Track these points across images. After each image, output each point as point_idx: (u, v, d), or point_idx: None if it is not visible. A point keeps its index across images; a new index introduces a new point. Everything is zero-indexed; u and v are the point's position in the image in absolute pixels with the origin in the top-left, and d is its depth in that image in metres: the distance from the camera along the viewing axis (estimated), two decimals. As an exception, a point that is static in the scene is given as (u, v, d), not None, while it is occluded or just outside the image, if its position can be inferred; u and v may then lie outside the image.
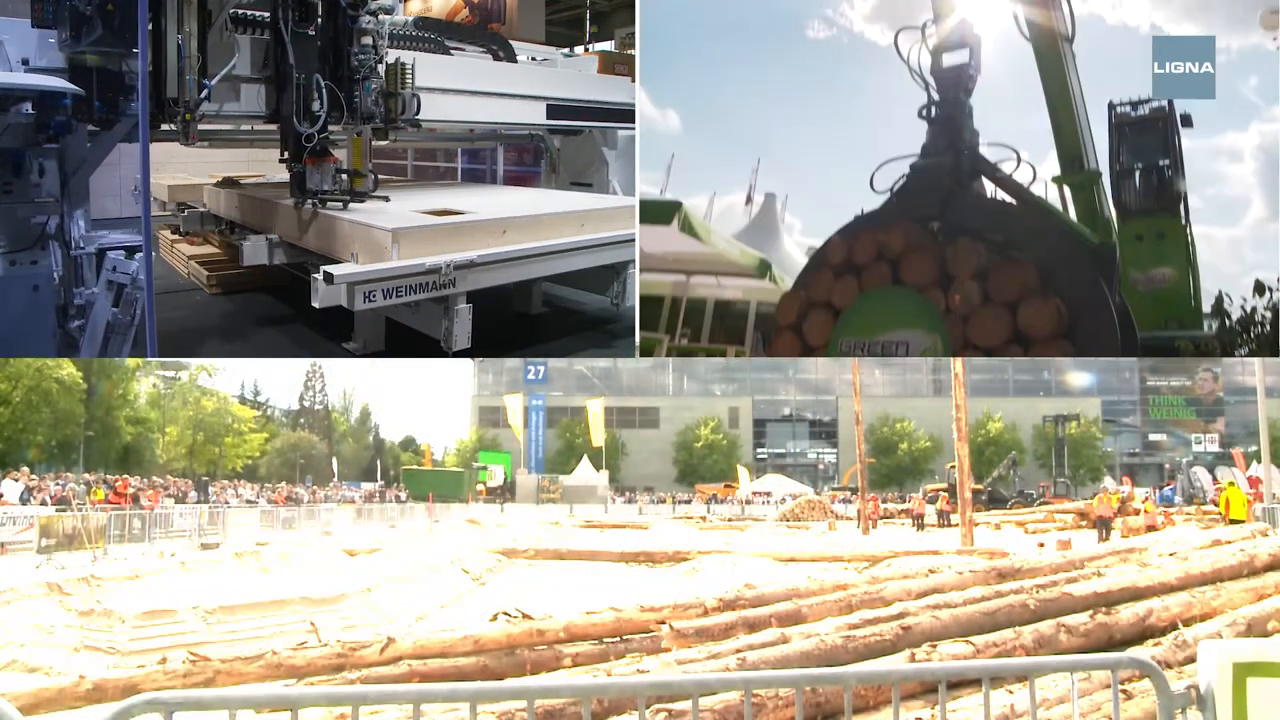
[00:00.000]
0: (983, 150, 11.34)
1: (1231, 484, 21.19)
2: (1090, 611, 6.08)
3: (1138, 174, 12.18)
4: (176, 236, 14.28)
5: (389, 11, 11.23)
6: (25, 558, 15.52)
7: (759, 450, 72.39)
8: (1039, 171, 11.84)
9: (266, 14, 10.19)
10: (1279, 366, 41.39)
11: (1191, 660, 5.17)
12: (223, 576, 13.46)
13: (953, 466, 25.77)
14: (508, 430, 61.90)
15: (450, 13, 19.12)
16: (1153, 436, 71.23)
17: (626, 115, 15.62)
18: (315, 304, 9.07)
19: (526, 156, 20.01)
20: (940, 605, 6.14)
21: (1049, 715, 4.55)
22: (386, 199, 11.24)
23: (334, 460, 63.93)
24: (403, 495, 48.09)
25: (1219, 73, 11.74)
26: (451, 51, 14.25)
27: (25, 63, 9.61)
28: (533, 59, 16.42)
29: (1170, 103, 11.94)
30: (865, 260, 11.08)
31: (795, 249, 24.40)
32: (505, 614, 5.97)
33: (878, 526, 31.68)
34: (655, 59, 12.75)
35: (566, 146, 16.88)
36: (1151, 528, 19.43)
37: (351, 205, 10.60)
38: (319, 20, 10.16)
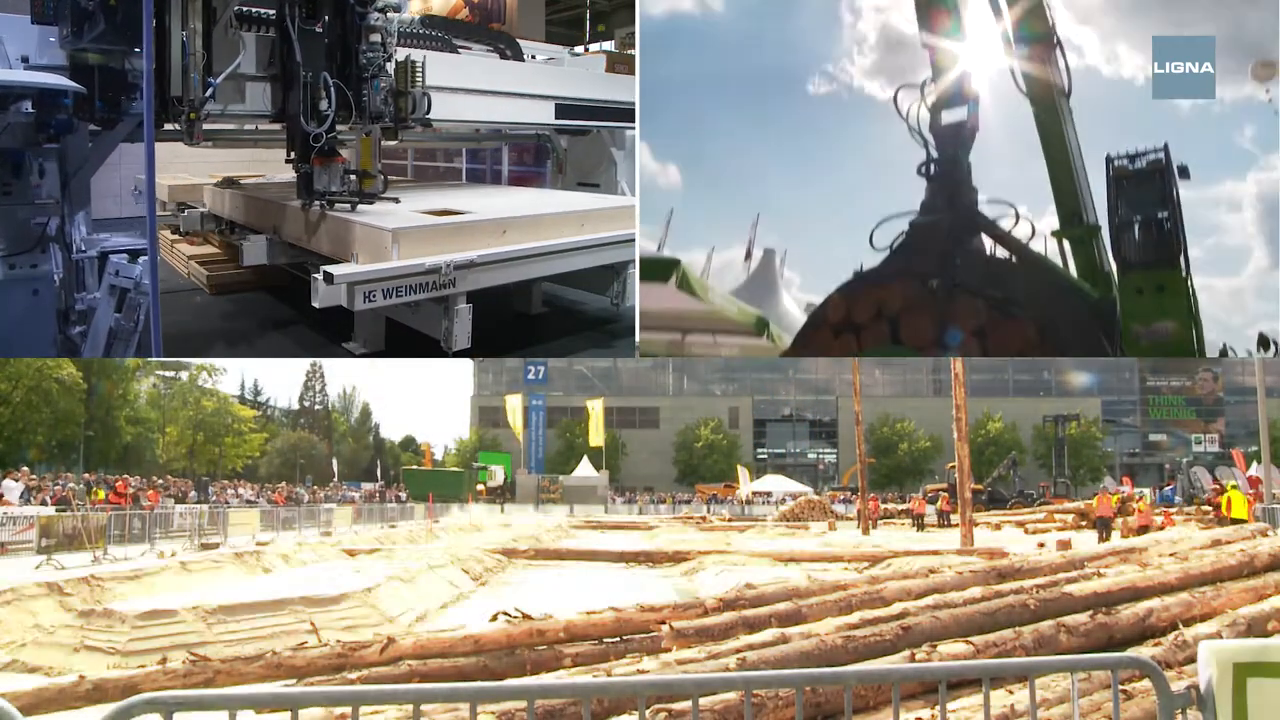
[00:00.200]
0: (982, 207, 11.45)
1: (1233, 486, 21.17)
2: (1090, 611, 6.08)
3: (1137, 226, 12.10)
4: (176, 236, 14.27)
5: (397, 9, 11.05)
6: (25, 558, 15.52)
7: (759, 450, 72.42)
8: (1039, 225, 12.00)
9: (272, 11, 9.96)
10: (1279, 366, 41.38)
11: (1191, 660, 5.16)
12: (223, 577, 13.49)
13: (953, 466, 25.77)
14: (508, 430, 61.92)
15: (450, 12, 19.10)
16: (1153, 436, 71.26)
17: (635, 115, 15.50)
18: (315, 304, 9.03)
19: (527, 156, 19.98)
20: (940, 605, 6.14)
21: (1049, 715, 4.55)
22: (396, 200, 11.04)
23: (334, 460, 63.95)
24: (403, 495, 48.09)
25: (1215, 123, 11.81)
26: (459, 50, 14.13)
27: (25, 60, 9.46)
28: (533, 57, 16.36)
29: (1167, 154, 11.91)
30: (864, 319, 11.17)
31: (794, 305, 24.43)
32: (505, 614, 5.97)
33: (878, 526, 31.70)
34: (656, 113, 12.87)
35: (574, 147, 16.73)
36: (1144, 528, 19.42)
37: (360, 207, 10.39)
38: (326, 17, 9.92)
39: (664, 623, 5.96)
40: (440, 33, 13.76)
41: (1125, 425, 70.76)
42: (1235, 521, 16.23)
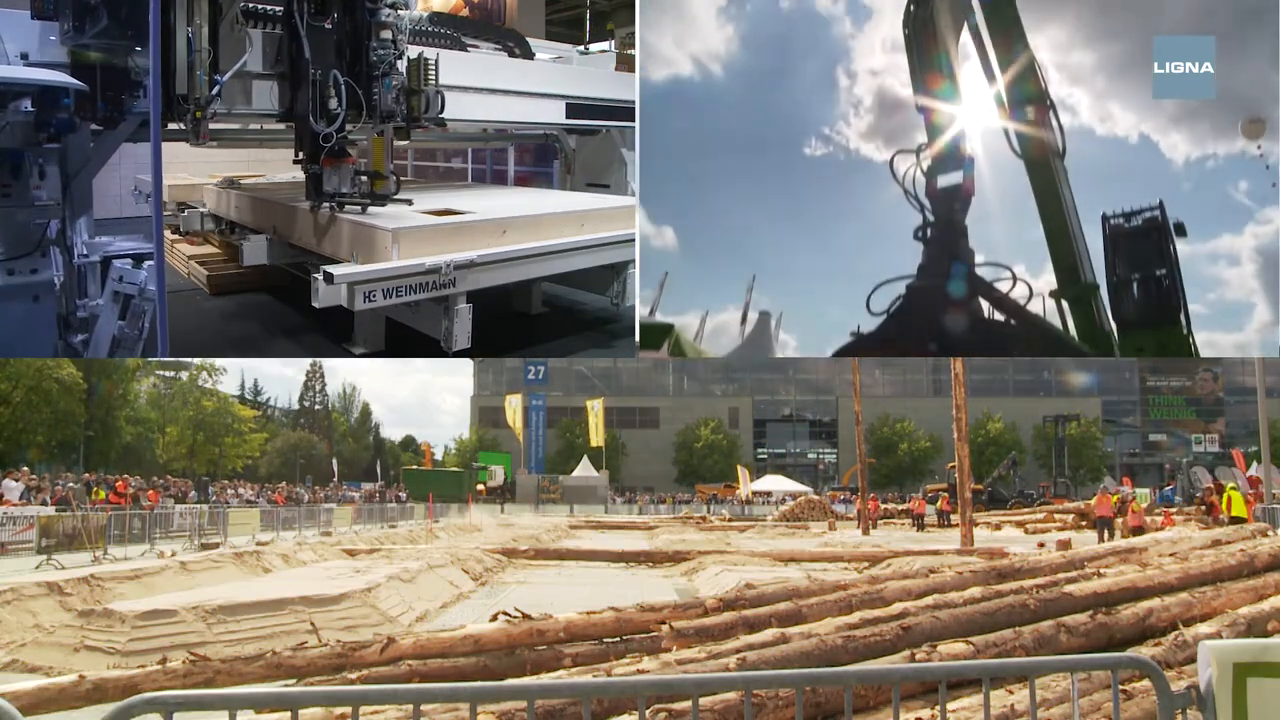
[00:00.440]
0: (979, 270, 11.48)
1: (1232, 487, 21.15)
2: (1090, 611, 6.08)
3: (1135, 285, 12.06)
4: (176, 236, 14.27)
5: (407, 6, 10.82)
6: (25, 558, 15.53)
7: (759, 450, 72.50)
8: (1037, 285, 12.03)
9: (280, 7, 9.70)
10: (1279, 366, 41.37)
11: (1191, 660, 5.17)
12: (223, 577, 13.48)
13: (953, 466, 25.79)
14: (508, 430, 61.93)
15: (451, 11, 19.06)
16: (1153, 436, 71.33)
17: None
18: (315, 304, 8.99)
19: (528, 156, 19.95)
20: (940, 605, 6.14)
21: (1049, 715, 4.55)
22: (409, 202, 10.79)
23: (334, 460, 63.96)
24: (403, 495, 48.09)
25: (1209, 179, 11.83)
26: (467, 48, 13.95)
27: (24, 57, 9.13)
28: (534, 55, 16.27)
29: (1163, 211, 11.90)
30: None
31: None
32: (505, 614, 5.96)
33: (878, 526, 31.73)
34: (653, 176, 12.91)
35: (583, 147, 16.53)
36: (1139, 529, 19.41)
37: (370, 209, 10.12)
38: (335, 14, 9.64)
39: (664, 623, 5.96)
40: (449, 30, 13.58)
41: (1125, 425, 70.83)
42: (1235, 521, 16.23)
